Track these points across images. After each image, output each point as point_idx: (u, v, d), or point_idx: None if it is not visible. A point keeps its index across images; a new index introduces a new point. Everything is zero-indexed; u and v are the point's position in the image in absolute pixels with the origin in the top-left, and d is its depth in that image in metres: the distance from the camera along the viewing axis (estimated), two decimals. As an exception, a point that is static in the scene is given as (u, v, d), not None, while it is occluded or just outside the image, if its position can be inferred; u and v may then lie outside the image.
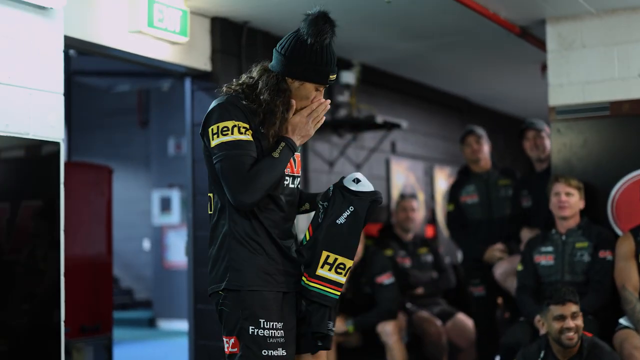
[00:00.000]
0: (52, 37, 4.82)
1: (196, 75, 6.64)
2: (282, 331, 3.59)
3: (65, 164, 4.91)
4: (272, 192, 3.62)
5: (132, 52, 5.85)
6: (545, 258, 6.00)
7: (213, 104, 3.62)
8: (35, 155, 4.73)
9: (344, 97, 8.06)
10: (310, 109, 3.70)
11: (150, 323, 14.37)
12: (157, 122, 14.62)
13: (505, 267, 6.84)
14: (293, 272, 3.70)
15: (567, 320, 5.05)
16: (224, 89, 3.69)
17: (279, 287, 3.64)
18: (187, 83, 6.78)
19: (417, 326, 7.46)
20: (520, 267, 6.12)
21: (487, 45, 7.77)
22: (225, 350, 3.62)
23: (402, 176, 9.29)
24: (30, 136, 4.64)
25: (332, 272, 3.61)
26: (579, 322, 5.06)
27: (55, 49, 4.83)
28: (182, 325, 11.35)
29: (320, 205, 3.72)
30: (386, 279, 6.88)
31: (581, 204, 6.03)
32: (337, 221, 3.62)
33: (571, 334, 5.04)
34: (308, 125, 3.70)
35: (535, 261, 6.03)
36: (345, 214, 3.62)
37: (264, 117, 3.59)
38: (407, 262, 7.82)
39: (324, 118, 3.75)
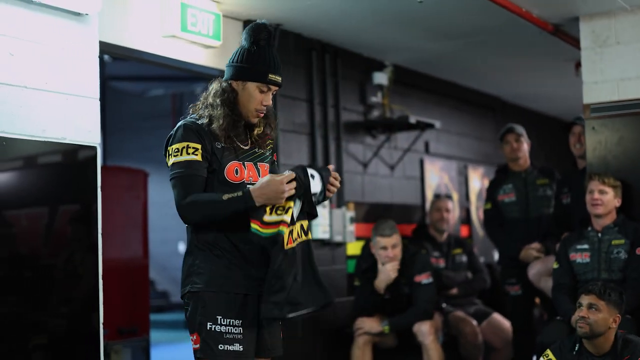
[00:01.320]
0: (87, 42, 4.87)
1: (229, 78, 6.67)
2: (240, 328, 3.79)
3: (102, 168, 4.95)
4: None
5: (165, 56, 5.88)
6: (580, 256, 5.96)
7: (175, 127, 3.94)
8: (72, 159, 4.78)
9: (376, 98, 8.07)
10: (290, 186, 3.78)
11: (186, 325, 14.42)
12: (191, 125, 14.65)
13: (538, 268, 6.81)
14: (255, 276, 3.86)
15: (582, 309, 5.04)
16: (190, 110, 4.03)
17: (238, 290, 3.84)
18: (221, 86, 6.81)
19: (452, 326, 7.45)
20: (555, 266, 6.10)
21: (520, 44, 7.74)
22: (192, 347, 3.87)
23: (436, 176, 9.27)
24: (67, 141, 4.69)
25: (273, 214, 3.76)
26: (596, 316, 5.00)
27: (90, 54, 4.88)
28: (218, 327, 11.38)
29: None
30: (425, 278, 6.88)
31: (617, 202, 5.98)
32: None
33: (581, 323, 5.02)
34: (281, 193, 3.76)
35: (570, 259, 5.99)
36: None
37: (210, 118, 3.88)
38: (441, 263, 7.82)
39: (294, 192, 3.82)
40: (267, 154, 4.04)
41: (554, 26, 6.88)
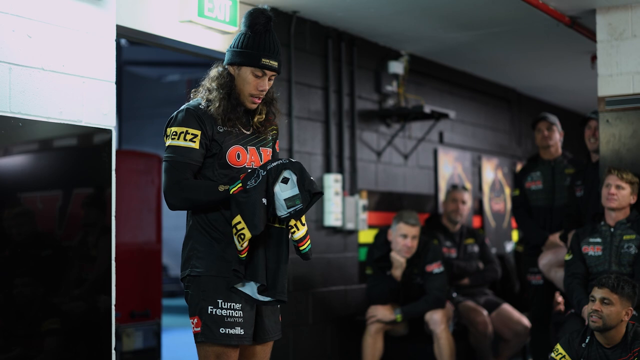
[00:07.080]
0: (105, 26, 4.89)
1: (245, 64, 6.68)
2: (240, 311, 3.82)
3: (116, 152, 4.97)
4: None
5: (182, 41, 5.90)
6: (593, 249, 5.97)
7: (177, 110, 3.98)
8: (87, 142, 4.79)
9: (392, 87, 8.07)
10: None
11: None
12: (206, 111, 14.67)
13: (549, 258, 6.82)
14: None
15: (596, 302, 5.07)
16: (192, 95, 4.05)
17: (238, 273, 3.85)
18: (236, 72, 6.83)
19: (463, 316, 7.47)
20: (568, 257, 6.10)
21: (537, 36, 7.72)
22: (192, 330, 3.90)
23: (450, 166, 9.27)
24: (83, 123, 4.71)
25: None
26: (609, 309, 5.03)
27: (107, 37, 4.90)
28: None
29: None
30: (436, 267, 6.90)
31: (632, 199, 5.94)
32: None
33: (594, 317, 5.06)
34: None
35: (583, 251, 6.00)
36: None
37: (208, 102, 3.91)
38: (453, 253, 7.83)
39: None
40: (270, 139, 4.06)
41: (571, 18, 6.87)
